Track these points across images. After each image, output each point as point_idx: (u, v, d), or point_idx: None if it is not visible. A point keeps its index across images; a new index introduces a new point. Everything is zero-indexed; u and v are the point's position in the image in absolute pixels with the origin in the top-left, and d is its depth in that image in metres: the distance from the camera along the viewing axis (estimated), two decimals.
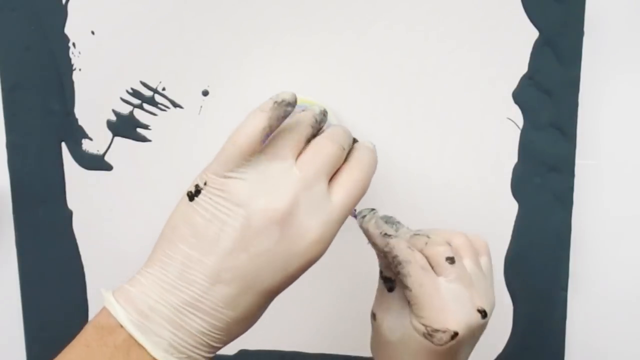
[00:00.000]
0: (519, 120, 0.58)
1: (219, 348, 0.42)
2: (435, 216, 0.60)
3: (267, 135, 0.43)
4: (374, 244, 0.48)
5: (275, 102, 0.43)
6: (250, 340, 0.64)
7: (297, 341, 0.64)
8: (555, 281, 0.61)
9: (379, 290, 0.49)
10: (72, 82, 0.60)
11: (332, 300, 0.63)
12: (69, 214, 0.63)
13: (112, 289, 0.42)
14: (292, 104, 0.43)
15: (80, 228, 0.64)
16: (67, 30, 0.59)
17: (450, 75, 0.57)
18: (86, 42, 0.59)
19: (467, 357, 0.48)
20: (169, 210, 0.45)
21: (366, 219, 0.48)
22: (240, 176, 0.41)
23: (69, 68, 0.60)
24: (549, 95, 0.57)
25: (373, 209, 0.48)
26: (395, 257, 0.46)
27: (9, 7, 0.59)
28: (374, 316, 0.49)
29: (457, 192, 0.59)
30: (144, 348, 0.39)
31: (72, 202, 0.63)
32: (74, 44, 0.60)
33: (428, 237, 0.48)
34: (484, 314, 0.46)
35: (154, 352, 0.39)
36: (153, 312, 0.40)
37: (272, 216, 0.40)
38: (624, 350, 0.62)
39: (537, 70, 0.57)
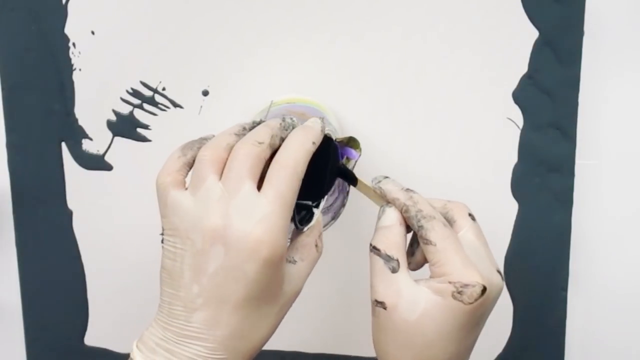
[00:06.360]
0: (519, 120, 0.58)
1: None
2: None
3: (186, 164, 0.45)
4: (393, 200, 0.47)
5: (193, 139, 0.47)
6: None
7: (297, 341, 0.64)
8: (555, 281, 0.61)
9: (379, 277, 0.46)
10: (72, 82, 0.60)
11: (331, 300, 0.63)
12: (69, 214, 0.63)
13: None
14: (209, 138, 0.46)
15: (80, 228, 0.64)
16: (67, 30, 0.59)
17: (450, 75, 0.57)
18: (86, 42, 0.59)
19: (481, 330, 0.47)
20: None
21: (383, 181, 0.48)
22: (178, 211, 0.44)
23: (69, 68, 0.60)
24: (549, 95, 0.57)
25: (386, 177, 0.49)
26: (419, 211, 0.46)
27: (9, 7, 0.59)
28: (382, 305, 0.45)
29: (457, 192, 0.59)
30: None
31: (72, 202, 0.63)
32: (74, 44, 0.60)
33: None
34: (502, 276, 0.46)
35: None
36: (158, 347, 0.44)
37: (211, 236, 0.42)
38: (624, 350, 0.62)
39: (537, 70, 0.57)
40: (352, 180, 0.49)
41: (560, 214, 0.59)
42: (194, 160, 0.45)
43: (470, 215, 0.48)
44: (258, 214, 0.42)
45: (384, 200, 0.48)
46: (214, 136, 0.46)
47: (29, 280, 0.65)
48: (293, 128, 0.46)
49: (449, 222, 0.47)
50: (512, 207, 0.60)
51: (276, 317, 0.45)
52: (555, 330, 0.62)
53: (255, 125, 0.47)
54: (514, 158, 0.59)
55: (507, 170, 0.59)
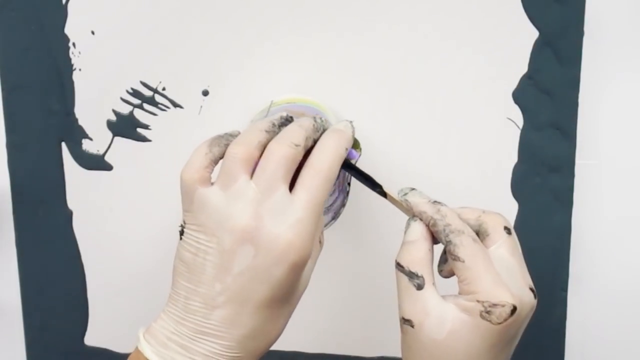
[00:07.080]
0: (519, 120, 0.58)
1: None
2: None
3: (213, 161, 0.45)
4: (420, 214, 0.45)
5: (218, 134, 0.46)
6: None
7: (297, 341, 0.64)
8: (555, 281, 0.61)
9: (405, 294, 0.44)
10: (72, 82, 0.60)
11: (331, 300, 0.63)
12: (69, 214, 0.63)
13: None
14: (234, 135, 0.46)
15: (80, 228, 0.64)
16: (67, 30, 0.59)
17: (450, 75, 0.57)
18: (86, 42, 0.59)
19: (514, 347, 0.45)
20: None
21: (410, 194, 0.47)
22: (206, 208, 0.43)
23: (69, 68, 0.60)
24: (549, 95, 0.57)
25: (413, 188, 0.48)
26: (447, 225, 0.44)
27: (9, 7, 0.59)
28: (409, 323, 0.43)
29: (457, 192, 0.59)
30: None
31: (72, 202, 0.63)
32: (74, 44, 0.60)
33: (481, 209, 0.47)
34: (535, 293, 0.44)
35: None
36: (170, 342, 0.43)
37: (241, 236, 0.42)
38: (624, 350, 0.62)
39: (537, 70, 0.57)
40: (381, 193, 0.48)
41: (560, 214, 0.59)
42: (220, 157, 0.45)
43: (506, 228, 0.46)
44: (291, 217, 0.42)
45: (412, 212, 0.47)
46: (239, 132, 0.46)
47: (29, 280, 0.65)
48: (324, 130, 0.46)
49: (482, 234, 0.45)
50: (512, 207, 0.60)
51: (288, 316, 0.46)
52: (555, 330, 0.62)
53: (283, 121, 0.46)
54: (514, 158, 0.59)
55: (507, 170, 0.59)
